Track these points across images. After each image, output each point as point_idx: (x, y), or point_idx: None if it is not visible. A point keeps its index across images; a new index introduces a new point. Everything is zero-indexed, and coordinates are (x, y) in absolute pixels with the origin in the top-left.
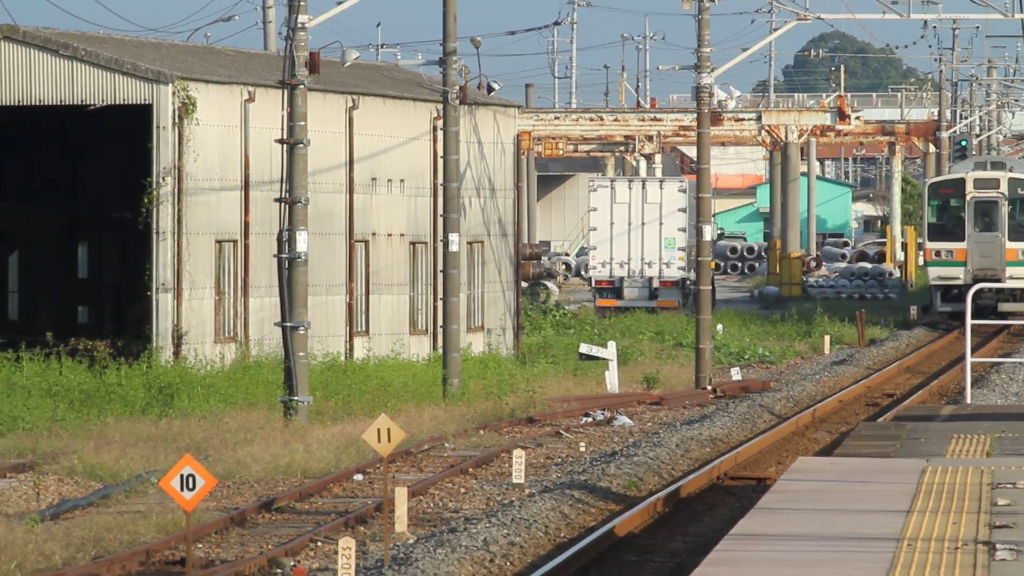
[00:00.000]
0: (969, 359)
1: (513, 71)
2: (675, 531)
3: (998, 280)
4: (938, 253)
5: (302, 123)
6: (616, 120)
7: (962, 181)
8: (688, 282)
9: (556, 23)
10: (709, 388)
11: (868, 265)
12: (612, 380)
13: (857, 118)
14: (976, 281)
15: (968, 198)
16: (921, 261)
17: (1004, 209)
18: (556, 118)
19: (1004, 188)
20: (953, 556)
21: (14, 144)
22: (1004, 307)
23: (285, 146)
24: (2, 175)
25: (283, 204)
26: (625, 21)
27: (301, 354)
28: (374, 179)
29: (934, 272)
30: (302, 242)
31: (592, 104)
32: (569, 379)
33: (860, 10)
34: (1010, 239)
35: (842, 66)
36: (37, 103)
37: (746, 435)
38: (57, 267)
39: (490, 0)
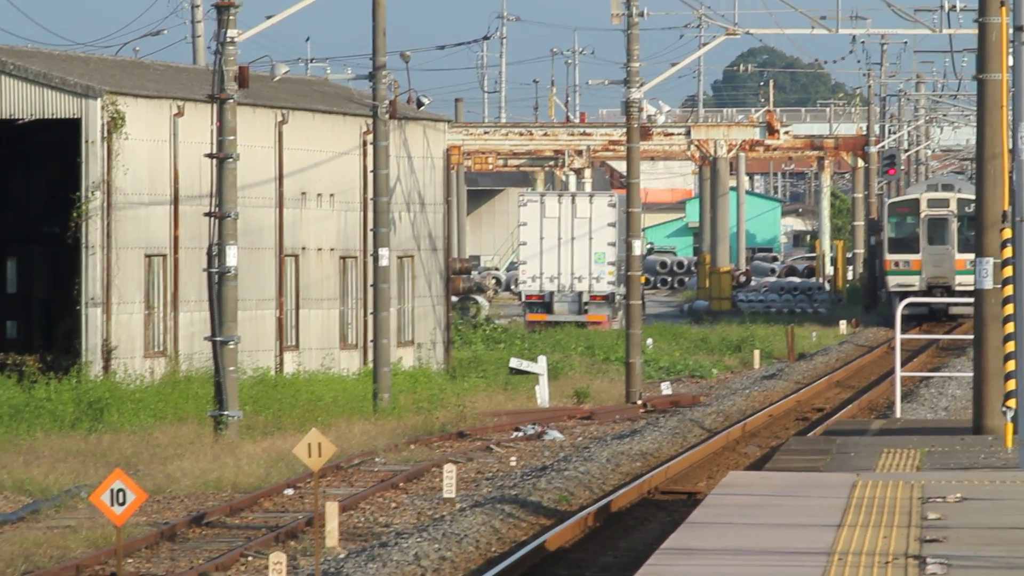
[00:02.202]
0: (899, 373)
1: (443, 85)
2: (606, 545)
3: (949, 287)
4: (896, 264)
5: (232, 137)
6: (546, 135)
7: (917, 201)
8: (618, 296)
9: (486, 38)
10: (639, 402)
11: (798, 279)
12: (542, 395)
13: (786, 133)
14: (930, 288)
15: (922, 215)
16: (847, 275)
17: (953, 225)
18: (486, 132)
19: (953, 207)
20: (884, 570)
21: None
22: (955, 310)
23: (215, 160)
24: None
25: (213, 218)
26: (554, 36)
27: (231, 368)
28: (304, 193)
29: (893, 280)
30: (232, 257)
31: (522, 119)
32: (500, 394)
33: (789, 25)
34: (959, 251)
35: (771, 81)
36: None
37: (676, 449)
38: None
39: (420, 15)
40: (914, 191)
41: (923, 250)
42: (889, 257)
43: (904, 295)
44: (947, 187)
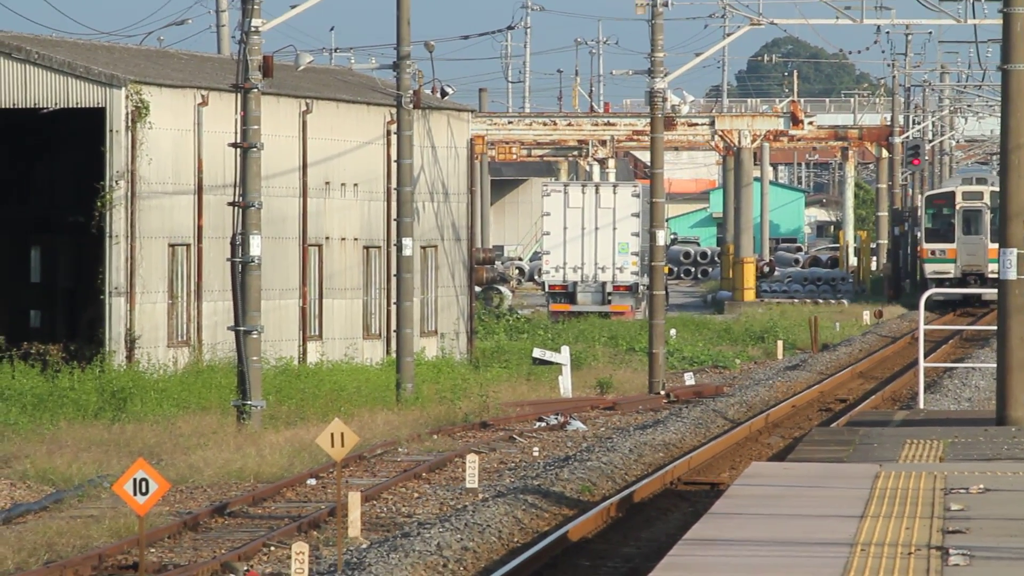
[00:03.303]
0: (922, 364)
1: (467, 75)
2: (628, 536)
3: (982, 275)
4: (933, 252)
5: (256, 127)
6: (570, 125)
7: (952, 193)
8: (641, 287)
9: (510, 27)
10: (662, 393)
11: (821, 270)
12: (565, 385)
13: (810, 123)
14: (964, 275)
15: (958, 207)
16: (871, 266)
17: (987, 216)
18: (510, 122)
19: (987, 199)
20: (906, 561)
21: None
22: (988, 296)
23: (239, 150)
24: None
25: (236, 208)
26: (578, 25)
27: (254, 358)
28: (327, 183)
29: (930, 268)
30: (255, 246)
31: (546, 109)
32: (523, 384)
33: (813, 15)
34: (992, 241)
35: (795, 71)
36: None
37: (699, 440)
38: (9, 271)
39: (444, 4)
40: (949, 184)
41: (958, 240)
42: (926, 246)
43: (940, 282)
44: (981, 180)
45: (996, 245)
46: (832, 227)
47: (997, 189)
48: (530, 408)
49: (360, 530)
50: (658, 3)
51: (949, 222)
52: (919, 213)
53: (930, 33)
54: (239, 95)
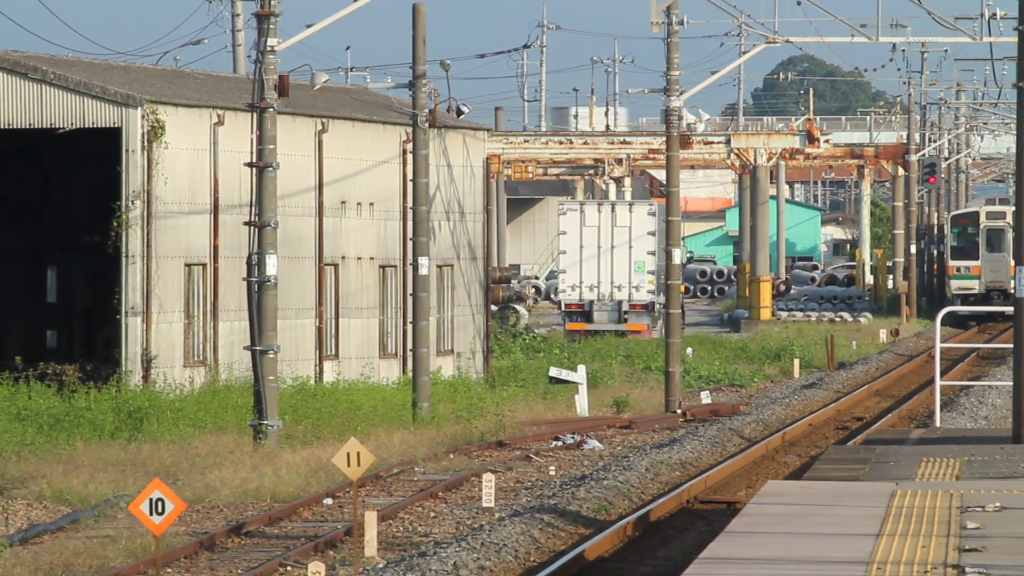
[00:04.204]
0: (939, 382)
1: (483, 94)
2: (645, 555)
3: (1005, 291)
4: (958, 269)
5: (271, 146)
6: (585, 143)
7: (977, 213)
8: (658, 305)
9: (525, 46)
10: (679, 412)
11: (838, 288)
12: (582, 404)
13: (826, 141)
14: (988, 291)
15: (982, 226)
16: (887, 284)
17: (1009, 235)
18: (526, 141)
19: (1010, 218)
20: None
21: None
22: (1010, 312)
23: (254, 169)
24: None
25: (252, 228)
26: (594, 44)
27: (271, 378)
28: (343, 202)
29: (956, 284)
30: (272, 266)
31: (561, 127)
32: (539, 403)
33: (829, 33)
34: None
35: (811, 89)
36: (6, 126)
37: (716, 459)
38: (26, 291)
39: (460, 23)
40: (974, 204)
41: (982, 257)
42: (951, 263)
43: (965, 298)
44: (1004, 201)
45: None
46: (848, 245)
47: None
48: (546, 427)
49: (376, 549)
50: (674, 22)
51: (974, 240)
52: (942, 232)
53: (946, 51)
54: (255, 114)
